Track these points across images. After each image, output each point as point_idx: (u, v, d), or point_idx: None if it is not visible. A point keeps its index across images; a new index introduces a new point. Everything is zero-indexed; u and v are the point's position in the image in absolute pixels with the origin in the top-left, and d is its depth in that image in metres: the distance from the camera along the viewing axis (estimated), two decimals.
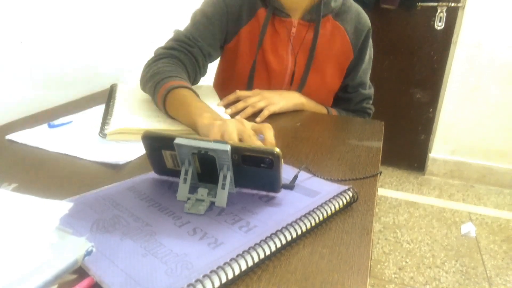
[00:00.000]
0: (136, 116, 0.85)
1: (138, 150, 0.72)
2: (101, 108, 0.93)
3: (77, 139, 0.76)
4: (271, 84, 1.09)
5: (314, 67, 1.06)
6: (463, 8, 2.29)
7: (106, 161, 0.67)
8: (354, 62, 1.09)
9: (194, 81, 1.05)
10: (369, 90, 1.16)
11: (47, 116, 0.87)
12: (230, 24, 1.05)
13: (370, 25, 1.08)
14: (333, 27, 1.05)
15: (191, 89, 0.82)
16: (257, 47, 1.05)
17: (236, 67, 1.10)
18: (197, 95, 0.81)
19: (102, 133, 0.76)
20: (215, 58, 1.11)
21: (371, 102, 1.18)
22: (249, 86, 1.10)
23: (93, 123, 0.83)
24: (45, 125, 0.82)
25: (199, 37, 1.00)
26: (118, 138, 0.75)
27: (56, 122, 0.83)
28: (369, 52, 1.11)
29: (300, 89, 1.08)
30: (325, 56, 1.06)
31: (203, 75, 1.09)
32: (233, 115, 0.92)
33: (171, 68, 0.89)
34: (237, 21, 1.05)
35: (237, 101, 0.98)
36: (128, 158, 0.69)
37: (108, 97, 0.98)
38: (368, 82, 1.16)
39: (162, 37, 1.24)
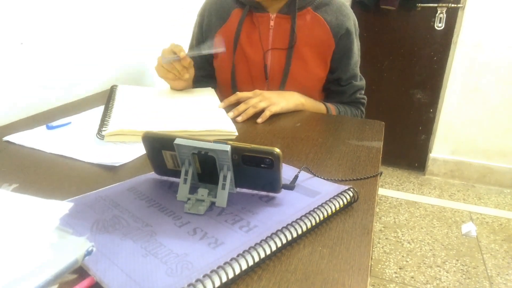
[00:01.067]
0: (135, 117, 0.84)
1: (134, 152, 0.71)
2: (100, 109, 0.92)
3: (74, 141, 0.75)
4: (253, 77, 1.11)
5: (296, 57, 1.08)
6: (463, 8, 2.29)
7: (102, 162, 0.67)
8: (339, 53, 1.10)
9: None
10: (361, 82, 1.18)
11: (46, 117, 0.87)
12: (205, 36, 1.14)
13: (354, 18, 1.11)
14: (313, 18, 1.07)
15: None
16: (234, 43, 1.08)
17: (219, 69, 1.16)
18: None
19: (100, 134, 0.76)
20: (213, 74, 1.22)
21: (363, 92, 1.20)
22: (232, 84, 1.13)
23: (92, 125, 0.83)
24: (44, 127, 0.81)
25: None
26: (116, 140, 0.75)
27: (54, 123, 0.82)
28: (357, 44, 1.13)
29: (284, 79, 1.09)
30: (306, 46, 1.08)
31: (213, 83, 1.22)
32: (235, 117, 0.93)
33: None
34: (210, 31, 1.12)
35: (237, 102, 0.98)
36: (124, 160, 0.68)
37: (107, 98, 0.98)
38: (359, 73, 1.18)
39: (162, 38, 1.25)
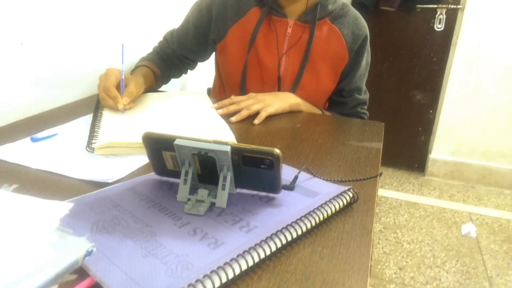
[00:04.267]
0: (127, 127, 0.79)
1: (128, 165, 0.66)
2: (88, 118, 0.87)
3: (62, 154, 0.70)
4: (264, 82, 1.10)
5: (309, 68, 1.07)
6: (463, 9, 2.29)
7: (94, 179, 0.61)
8: (349, 66, 1.09)
9: (171, 75, 1.21)
10: (364, 96, 1.17)
11: (30, 126, 0.82)
12: (215, 26, 1.09)
13: (367, 31, 1.09)
14: (330, 29, 1.06)
15: (146, 66, 1.11)
16: (249, 44, 1.06)
17: (229, 66, 1.12)
18: (146, 71, 1.09)
19: (89, 147, 0.71)
20: (199, 59, 1.21)
21: (365, 107, 1.19)
22: (242, 84, 1.10)
23: (80, 136, 0.77)
24: (28, 139, 0.75)
25: (176, 41, 1.15)
26: (107, 153, 0.70)
27: (39, 135, 0.76)
28: (366, 58, 1.12)
29: (294, 89, 1.08)
30: (320, 58, 1.07)
31: (184, 71, 1.24)
32: (227, 117, 0.91)
33: (147, 57, 1.17)
34: (224, 22, 1.08)
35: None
36: (118, 176, 0.63)
37: (95, 106, 0.93)
38: (364, 87, 1.17)
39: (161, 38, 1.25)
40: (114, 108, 0.88)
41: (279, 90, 1.10)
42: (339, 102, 1.16)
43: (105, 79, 0.90)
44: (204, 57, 1.21)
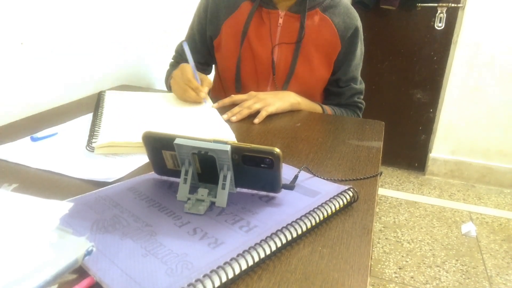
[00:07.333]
0: (127, 127, 0.79)
1: (128, 165, 0.66)
2: (87, 118, 0.87)
3: (62, 154, 0.70)
4: (258, 73, 1.11)
5: (302, 57, 1.08)
6: (463, 8, 2.29)
7: (94, 178, 0.61)
8: (343, 54, 1.10)
9: None
10: (360, 85, 1.18)
11: (30, 126, 0.82)
12: (210, 23, 1.12)
13: (359, 21, 1.11)
14: (321, 19, 1.08)
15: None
16: (241, 37, 1.08)
17: (224, 60, 1.14)
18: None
19: (89, 146, 0.71)
20: (212, 62, 1.23)
21: (362, 97, 1.20)
22: (237, 77, 1.12)
23: (80, 135, 0.77)
24: (28, 138, 0.76)
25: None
26: (107, 152, 0.70)
27: (39, 134, 0.76)
28: (360, 48, 1.13)
29: (288, 78, 1.09)
30: (312, 46, 1.08)
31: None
32: (228, 118, 0.92)
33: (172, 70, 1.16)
34: (217, 18, 1.10)
35: (233, 105, 0.98)
36: (118, 175, 0.63)
37: (95, 105, 0.94)
38: (359, 77, 1.18)
39: (161, 38, 1.25)
40: (196, 100, 0.96)
41: (273, 80, 1.11)
42: (336, 92, 1.17)
43: (184, 73, 0.95)
44: (214, 59, 1.22)
